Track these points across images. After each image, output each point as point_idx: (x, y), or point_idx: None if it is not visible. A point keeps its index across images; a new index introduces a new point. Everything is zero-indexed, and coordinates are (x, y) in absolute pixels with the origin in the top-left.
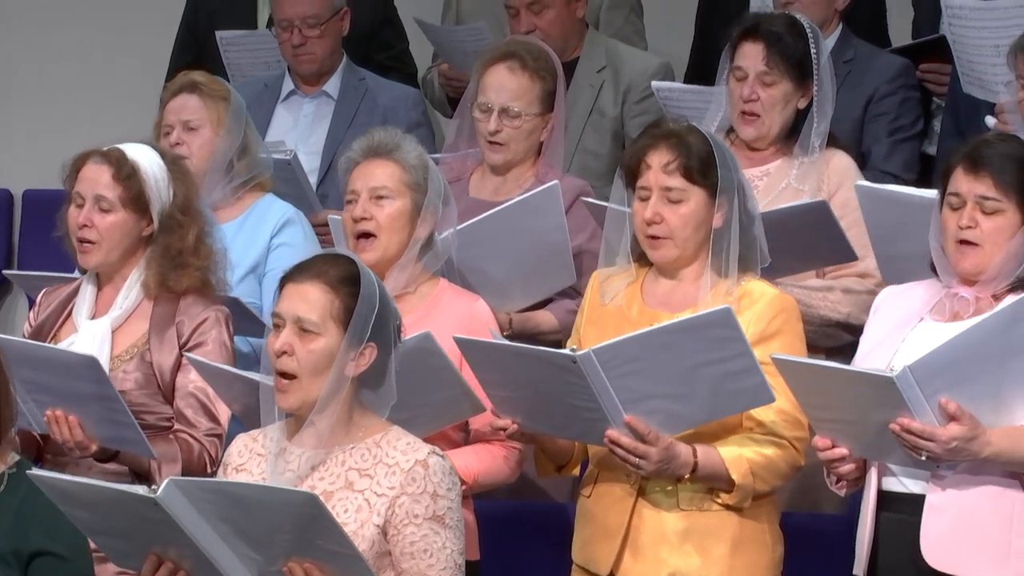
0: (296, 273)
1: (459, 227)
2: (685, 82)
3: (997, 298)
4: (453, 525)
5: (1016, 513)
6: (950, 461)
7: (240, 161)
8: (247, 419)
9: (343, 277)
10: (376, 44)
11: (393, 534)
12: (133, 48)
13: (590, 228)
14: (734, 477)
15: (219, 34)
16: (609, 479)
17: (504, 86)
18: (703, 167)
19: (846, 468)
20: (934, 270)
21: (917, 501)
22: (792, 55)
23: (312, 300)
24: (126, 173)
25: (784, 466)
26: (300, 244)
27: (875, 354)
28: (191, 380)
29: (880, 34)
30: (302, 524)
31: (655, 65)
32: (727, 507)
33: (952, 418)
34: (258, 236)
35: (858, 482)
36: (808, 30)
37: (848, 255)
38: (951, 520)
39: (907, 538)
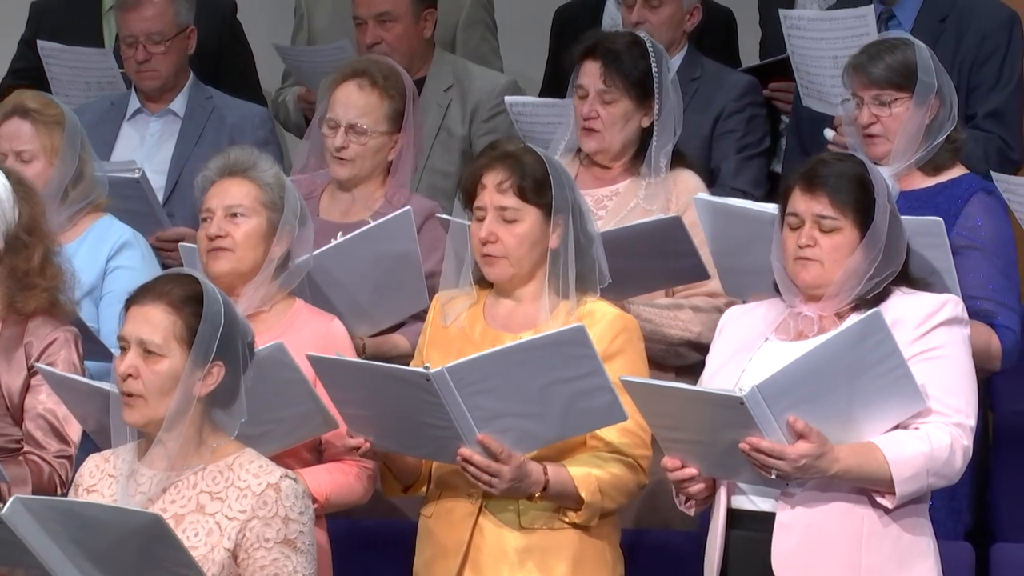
0: (139, 295)
1: (313, 253)
2: None
3: (840, 316)
4: (305, 549)
5: (865, 529)
6: (799, 479)
7: (75, 187)
8: (100, 436)
9: (186, 297)
10: (226, 64)
11: (244, 558)
12: None
13: (441, 249)
14: (583, 495)
15: (40, 44)
16: (450, 497)
17: (352, 103)
18: (537, 186)
19: (696, 488)
20: (777, 290)
21: (767, 519)
22: (631, 74)
23: (155, 322)
24: None
25: (631, 484)
26: (138, 267)
27: (722, 374)
28: (40, 402)
29: (731, 55)
30: (148, 545)
31: (502, 83)
32: (574, 525)
33: (800, 436)
34: (95, 258)
35: (707, 502)
36: (650, 49)
37: (701, 273)
38: (801, 537)
39: (757, 555)
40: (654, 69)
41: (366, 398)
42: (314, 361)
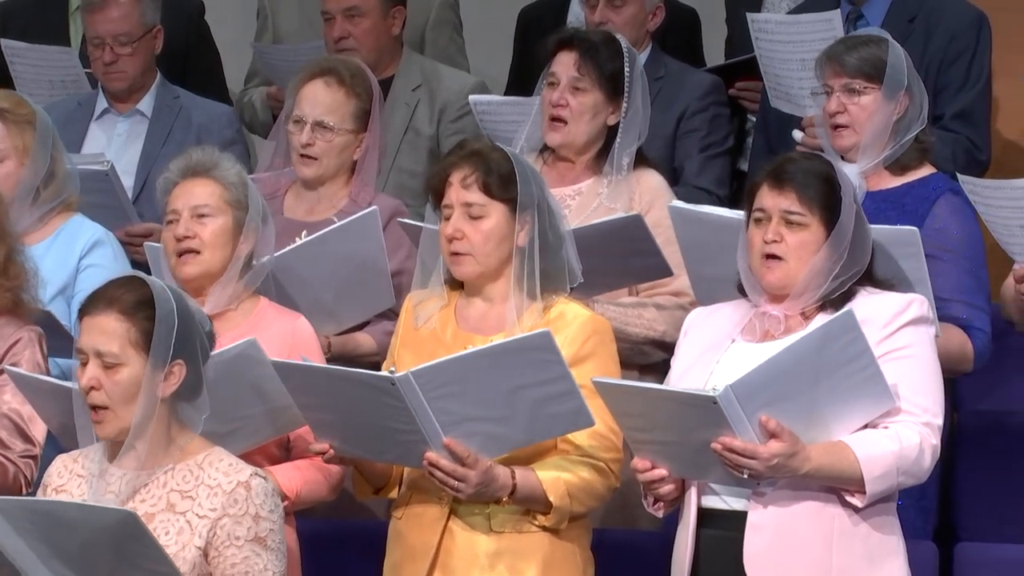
0: (90, 305)
1: (278, 253)
2: None
3: (806, 316)
4: (275, 547)
5: (836, 529)
6: (771, 478)
7: (47, 187)
8: (65, 436)
9: (137, 302)
10: (193, 64)
11: (214, 556)
12: None
13: (406, 247)
14: (552, 499)
15: (4, 42)
16: (421, 501)
17: (319, 100)
18: (503, 182)
19: (666, 489)
20: (742, 292)
21: (738, 518)
22: (605, 67)
23: (109, 331)
24: None
25: (601, 488)
26: (109, 265)
27: (689, 376)
28: (5, 402)
29: (696, 54)
30: (121, 543)
31: (470, 84)
32: (543, 528)
33: (772, 435)
34: (67, 257)
35: (676, 503)
36: (625, 50)
37: (663, 271)
38: (772, 537)
39: (729, 555)
40: (626, 69)
41: (331, 402)
42: (279, 367)
